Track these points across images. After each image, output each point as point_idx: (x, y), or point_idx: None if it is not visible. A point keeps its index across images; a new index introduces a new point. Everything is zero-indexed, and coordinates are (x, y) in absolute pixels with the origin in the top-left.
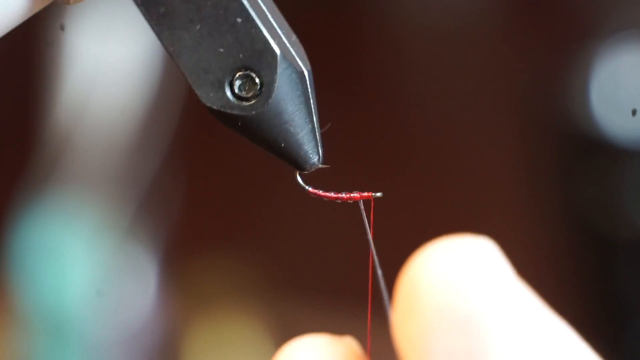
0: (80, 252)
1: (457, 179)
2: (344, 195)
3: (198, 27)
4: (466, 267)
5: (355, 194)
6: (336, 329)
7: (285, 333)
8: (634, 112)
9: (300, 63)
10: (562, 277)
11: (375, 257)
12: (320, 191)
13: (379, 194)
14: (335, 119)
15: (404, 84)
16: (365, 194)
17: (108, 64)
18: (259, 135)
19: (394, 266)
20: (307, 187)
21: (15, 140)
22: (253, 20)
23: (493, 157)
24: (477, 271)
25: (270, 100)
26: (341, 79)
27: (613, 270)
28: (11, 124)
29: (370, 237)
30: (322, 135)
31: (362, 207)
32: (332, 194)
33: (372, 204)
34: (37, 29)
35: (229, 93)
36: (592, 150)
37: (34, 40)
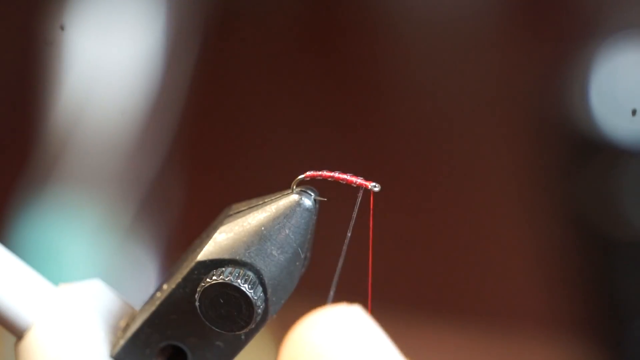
0: (80, 251)
1: (456, 179)
2: (347, 176)
3: None
4: (338, 335)
5: (360, 180)
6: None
7: (285, 331)
8: (634, 112)
9: None
10: (562, 277)
11: (343, 253)
12: (324, 172)
13: (377, 188)
14: (336, 119)
15: (404, 84)
16: (366, 183)
17: (108, 64)
18: None
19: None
20: (306, 173)
21: (15, 140)
22: None
23: (493, 157)
24: (348, 339)
25: None
26: (342, 78)
27: (613, 270)
28: (11, 124)
29: (350, 229)
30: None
31: (360, 194)
32: (335, 174)
33: (372, 197)
34: (37, 29)
35: None
36: (592, 150)
37: (34, 40)
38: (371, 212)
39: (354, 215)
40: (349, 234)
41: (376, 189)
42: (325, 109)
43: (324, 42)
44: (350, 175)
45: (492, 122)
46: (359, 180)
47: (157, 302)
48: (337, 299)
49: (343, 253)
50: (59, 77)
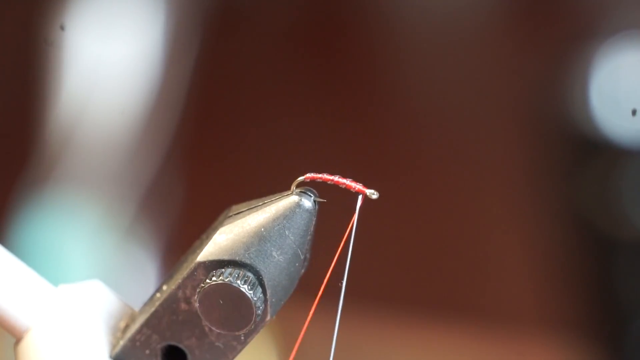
0: (80, 251)
1: (457, 180)
2: (347, 181)
3: None
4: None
5: (359, 186)
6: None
7: (285, 331)
8: (634, 112)
9: None
10: (562, 277)
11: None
12: (325, 175)
13: (375, 196)
14: (336, 120)
15: (404, 85)
16: (365, 189)
17: (108, 64)
18: None
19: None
20: (306, 175)
21: (15, 140)
22: None
23: (493, 158)
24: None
25: None
26: (343, 78)
27: (613, 270)
28: (11, 124)
29: (352, 237)
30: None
31: (358, 203)
32: (335, 178)
33: (361, 202)
34: (37, 29)
35: None
36: (592, 150)
37: (34, 40)
38: (355, 214)
39: (354, 223)
40: (351, 244)
41: (374, 197)
42: (326, 110)
43: (325, 43)
44: (350, 181)
45: (492, 122)
46: (358, 187)
47: (157, 303)
48: (335, 298)
49: (347, 263)
50: (59, 77)
